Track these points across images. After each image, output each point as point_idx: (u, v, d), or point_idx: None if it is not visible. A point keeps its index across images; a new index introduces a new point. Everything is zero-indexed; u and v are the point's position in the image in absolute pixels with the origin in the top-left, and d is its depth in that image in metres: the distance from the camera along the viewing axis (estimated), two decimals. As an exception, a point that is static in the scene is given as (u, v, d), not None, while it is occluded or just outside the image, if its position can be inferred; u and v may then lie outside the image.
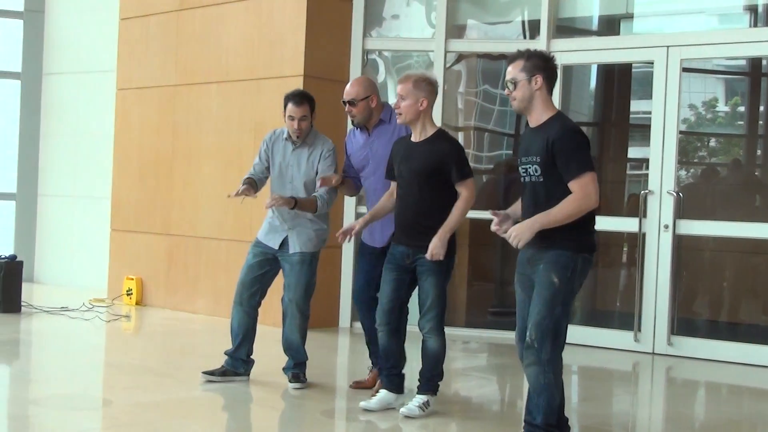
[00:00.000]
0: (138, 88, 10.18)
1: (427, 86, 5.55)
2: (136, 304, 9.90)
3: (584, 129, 4.88)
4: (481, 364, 8.11)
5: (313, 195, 6.07)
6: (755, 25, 8.74)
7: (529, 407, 4.74)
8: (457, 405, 6.18)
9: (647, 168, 8.40)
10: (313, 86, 7.87)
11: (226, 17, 9.38)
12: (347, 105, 6.05)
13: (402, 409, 5.51)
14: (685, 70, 8.28)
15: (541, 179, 4.70)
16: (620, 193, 10.39)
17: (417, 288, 5.61)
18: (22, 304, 9.16)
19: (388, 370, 5.70)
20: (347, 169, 6.23)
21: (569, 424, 4.89)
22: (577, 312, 9.26)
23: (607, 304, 10.32)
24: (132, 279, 9.96)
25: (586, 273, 4.77)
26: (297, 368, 6.24)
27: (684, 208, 8.23)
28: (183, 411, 5.65)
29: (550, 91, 4.81)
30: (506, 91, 4.83)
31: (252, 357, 6.35)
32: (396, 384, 5.69)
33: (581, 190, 4.58)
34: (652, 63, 8.33)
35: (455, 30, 9.20)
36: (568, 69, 8.79)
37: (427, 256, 5.39)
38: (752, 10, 8.87)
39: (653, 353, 8.16)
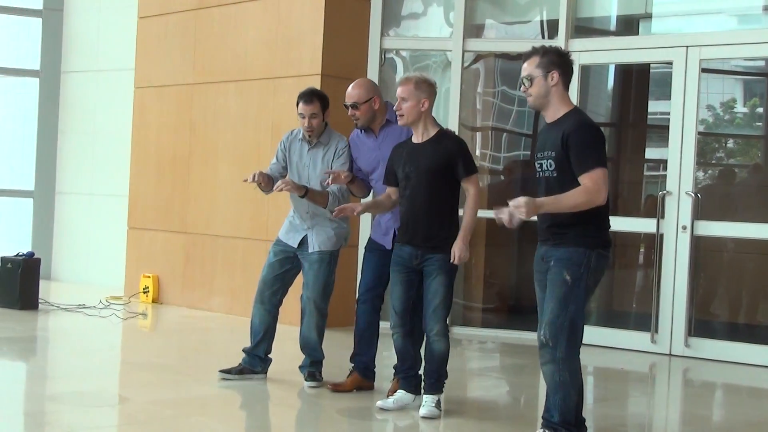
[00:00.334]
0: (156, 86, 10.21)
1: (428, 87, 5.56)
2: (153, 301, 9.93)
3: (602, 129, 4.84)
4: (497, 365, 8.10)
5: (326, 190, 6.03)
6: (775, 26, 8.69)
7: (547, 405, 4.74)
8: (474, 405, 6.18)
9: (665, 169, 8.37)
10: (331, 85, 7.86)
11: (245, 16, 9.39)
12: (350, 108, 5.99)
13: (422, 411, 5.50)
14: (703, 70, 8.25)
15: (555, 174, 4.68)
16: (638, 193, 10.35)
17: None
18: (40, 301, 9.21)
19: (404, 372, 5.71)
20: (356, 172, 6.11)
21: (586, 425, 4.88)
22: (593, 313, 9.23)
23: (624, 305, 10.29)
24: (149, 277, 9.99)
25: (602, 269, 4.73)
26: (313, 367, 6.24)
27: (702, 209, 8.19)
28: (200, 408, 5.65)
29: (566, 87, 4.79)
30: (522, 88, 4.82)
31: (270, 356, 6.36)
32: (413, 385, 5.70)
33: (593, 184, 4.54)
34: (671, 63, 8.30)
35: (473, 29, 9.18)
36: (586, 69, 8.77)
37: (455, 261, 5.40)
38: (772, 10, 8.82)
39: (670, 354, 8.12)
